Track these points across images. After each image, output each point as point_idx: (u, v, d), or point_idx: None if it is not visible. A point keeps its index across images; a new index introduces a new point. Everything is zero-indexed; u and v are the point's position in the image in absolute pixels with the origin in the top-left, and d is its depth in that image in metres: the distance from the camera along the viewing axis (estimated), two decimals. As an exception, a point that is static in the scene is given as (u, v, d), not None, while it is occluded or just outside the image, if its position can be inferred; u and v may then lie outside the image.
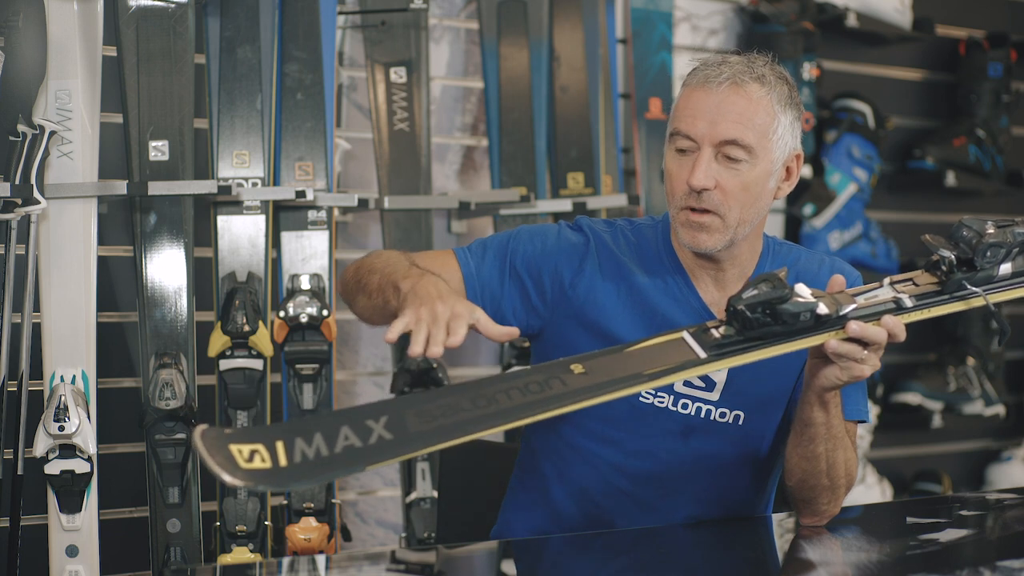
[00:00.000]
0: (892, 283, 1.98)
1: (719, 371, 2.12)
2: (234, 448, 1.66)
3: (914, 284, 1.99)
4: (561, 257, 2.17)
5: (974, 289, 1.98)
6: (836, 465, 2.09)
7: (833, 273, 2.20)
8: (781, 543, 2.13)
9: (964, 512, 2.42)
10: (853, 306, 1.92)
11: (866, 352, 1.93)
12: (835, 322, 1.92)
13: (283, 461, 1.67)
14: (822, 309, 1.89)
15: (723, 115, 2.05)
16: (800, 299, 1.88)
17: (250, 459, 1.66)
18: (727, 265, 2.15)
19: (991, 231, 1.99)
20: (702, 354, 1.88)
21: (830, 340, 1.92)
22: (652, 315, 2.14)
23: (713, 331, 1.90)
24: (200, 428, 1.66)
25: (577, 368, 1.84)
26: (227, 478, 1.63)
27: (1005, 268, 2.00)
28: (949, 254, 1.98)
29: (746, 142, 2.06)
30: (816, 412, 2.04)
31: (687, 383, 2.13)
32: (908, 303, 1.96)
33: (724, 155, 2.06)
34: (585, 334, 2.13)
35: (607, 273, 2.16)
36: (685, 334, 1.91)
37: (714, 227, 2.08)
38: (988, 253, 1.98)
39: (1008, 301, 2.05)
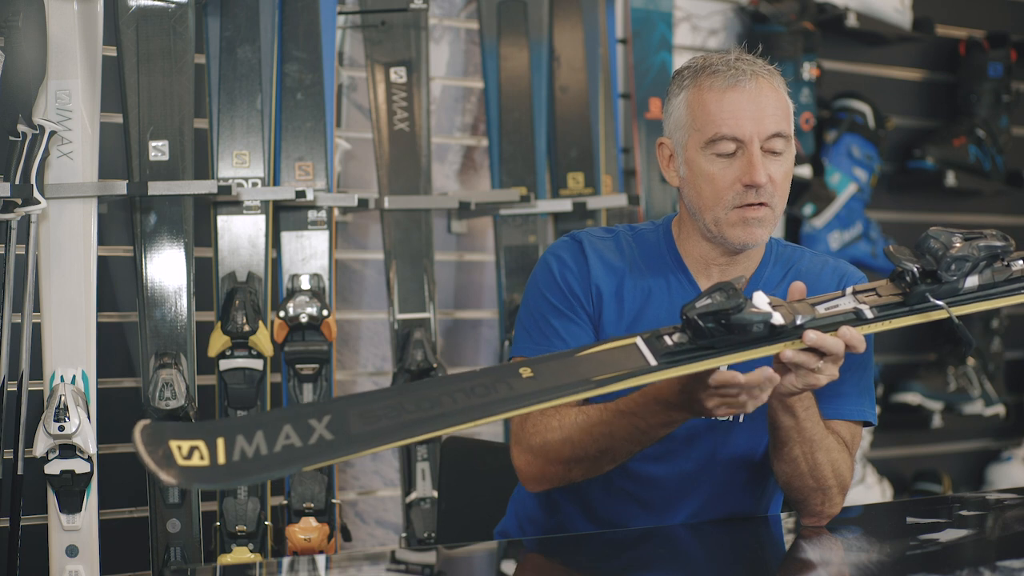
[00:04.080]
0: (855, 292, 1.97)
1: None
2: (174, 444, 1.64)
3: (877, 295, 1.97)
4: (569, 277, 2.18)
5: (937, 302, 1.96)
6: (819, 466, 2.08)
7: (837, 275, 2.21)
8: (781, 543, 2.13)
9: (964, 512, 2.42)
10: (810, 316, 1.91)
11: (821, 362, 1.93)
12: (791, 332, 1.90)
13: (222, 459, 1.65)
14: (777, 320, 1.88)
15: (762, 110, 2.09)
16: (754, 309, 1.87)
17: (188, 456, 1.64)
18: (740, 259, 2.17)
19: (957, 244, 1.95)
20: (652, 361, 1.87)
21: (785, 350, 1.91)
22: (656, 313, 2.14)
23: (666, 338, 1.89)
24: (141, 423, 1.66)
25: (525, 372, 1.82)
26: (162, 476, 1.62)
27: (972, 281, 1.97)
28: (912, 266, 1.95)
29: (786, 131, 2.12)
30: (782, 416, 2.04)
31: None
32: (868, 314, 1.95)
33: (769, 149, 2.10)
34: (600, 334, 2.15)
35: (609, 279, 2.17)
36: (638, 340, 1.90)
37: (767, 219, 2.11)
38: (953, 266, 1.95)
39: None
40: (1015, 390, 4.62)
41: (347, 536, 3.15)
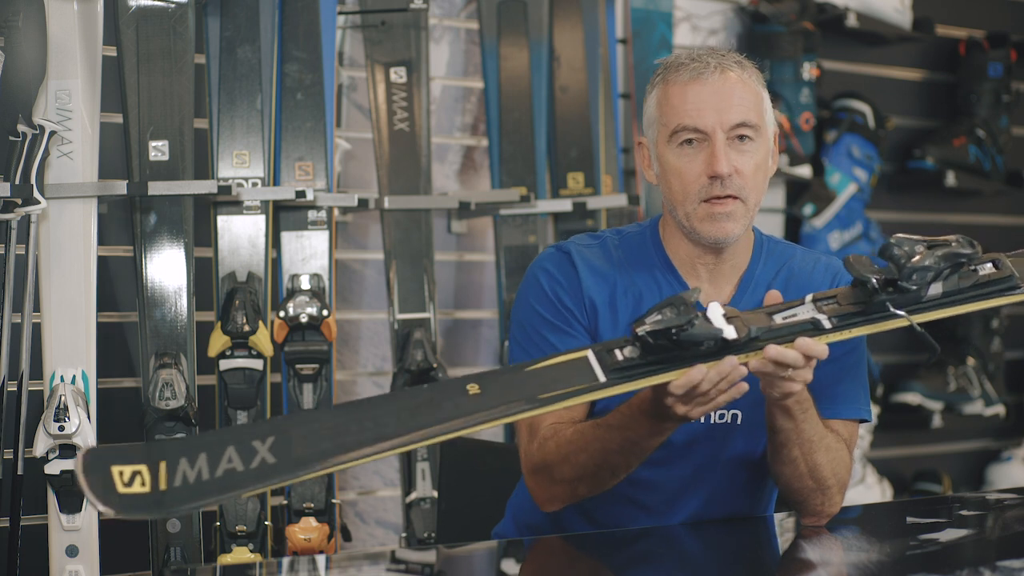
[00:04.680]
0: (815, 300, 1.95)
1: None
2: (115, 470, 1.63)
3: (837, 303, 1.95)
4: (560, 291, 2.17)
5: (897, 312, 1.93)
6: (819, 467, 2.08)
7: (830, 273, 2.20)
8: (781, 543, 2.13)
9: (964, 512, 2.42)
10: (765, 327, 1.89)
11: (789, 371, 1.91)
12: (745, 346, 1.88)
13: (163, 484, 1.64)
14: (730, 334, 1.86)
15: (726, 100, 2.08)
16: (705, 325, 1.85)
17: (129, 483, 1.63)
18: (727, 256, 2.15)
19: (919, 253, 1.93)
20: (602, 378, 1.86)
21: (751, 360, 1.90)
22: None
23: (617, 352, 1.87)
24: (85, 449, 1.65)
25: (472, 388, 1.81)
26: (100, 507, 1.61)
27: (935, 289, 1.95)
28: (870, 278, 1.93)
29: (753, 121, 2.09)
30: (780, 420, 2.03)
31: None
32: (826, 324, 1.93)
33: (735, 137, 2.08)
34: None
35: (601, 288, 2.16)
36: (590, 353, 1.88)
37: (738, 214, 2.09)
38: (914, 276, 1.92)
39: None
40: (1015, 390, 4.62)
41: (347, 536, 3.15)
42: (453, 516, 2.65)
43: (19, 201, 2.72)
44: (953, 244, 1.94)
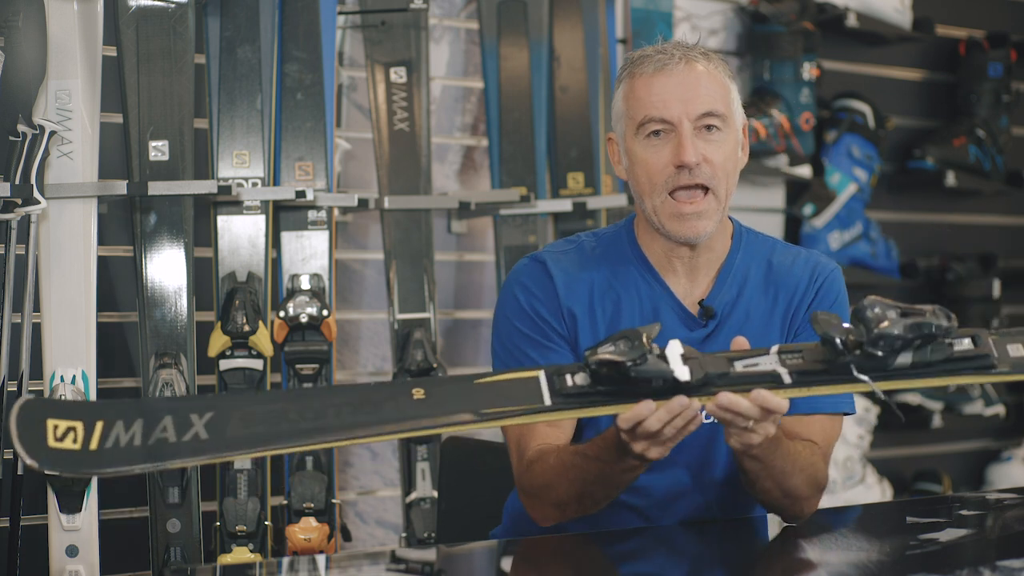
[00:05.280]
0: (780, 352, 1.89)
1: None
2: (51, 423, 1.63)
3: (802, 359, 1.89)
4: (536, 304, 2.15)
5: (860, 377, 1.87)
6: (793, 489, 2.06)
7: (809, 267, 2.19)
8: (780, 543, 2.13)
9: (964, 512, 2.42)
10: (722, 372, 1.85)
11: (750, 422, 1.87)
12: (698, 389, 1.84)
13: (94, 444, 1.63)
14: (682, 375, 1.82)
15: (692, 90, 2.07)
16: (657, 363, 1.82)
17: (61, 438, 1.62)
18: (702, 250, 2.14)
19: (888, 320, 1.85)
20: (547, 401, 1.83)
21: (707, 403, 1.86)
22: (630, 316, 2.13)
23: (568, 377, 1.85)
24: (22, 399, 1.65)
25: (418, 393, 1.80)
26: (27, 459, 1.61)
27: (904, 358, 1.87)
28: (835, 338, 1.86)
29: (720, 111, 2.08)
30: (746, 462, 2.00)
31: None
32: (786, 379, 1.88)
33: (702, 126, 2.07)
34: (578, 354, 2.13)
35: (579, 296, 2.14)
36: (542, 374, 1.85)
37: (708, 211, 2.08)
38: (880, 343, 1.85)
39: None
40: (1015, 390, 4.61)
41: (347, 536, 3.15)
42: (453, 516, 2.65)
43: (19, 201, 2.72)
44: (927, 315, 1.87)
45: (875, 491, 4.07)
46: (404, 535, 3.18)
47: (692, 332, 2.14)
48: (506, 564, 2.07)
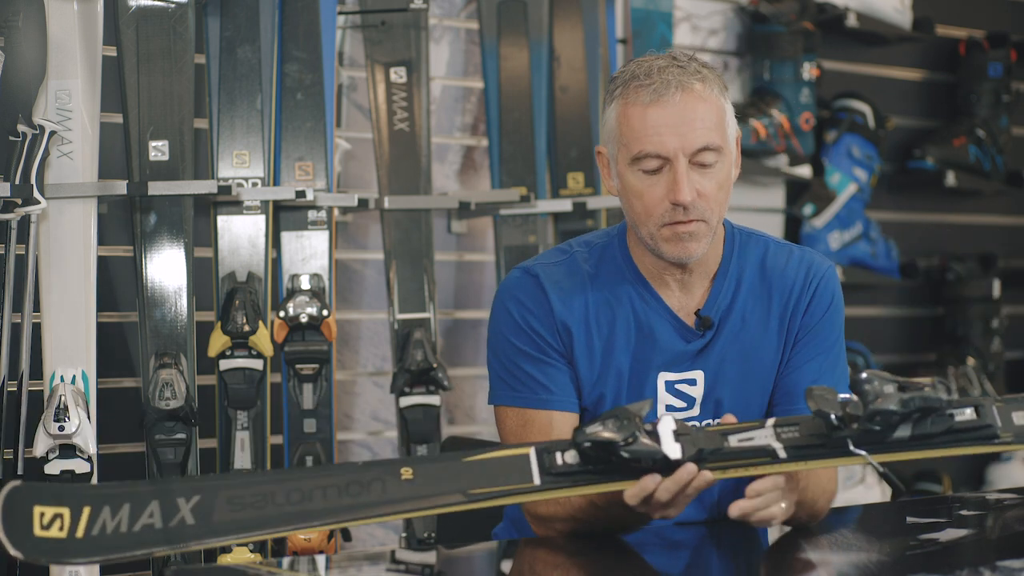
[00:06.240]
0: (775, 426, 1.88)
1: (695, 386, 2.12)
2: (37, 510, 1.62)
3: (798, 432, 1.87)
4: (531, 319, 2.14)
5: (857, 451, 1.86)
6: (819, 511, 2.08)
7: (803, 266, 2.17)
8: (780, 543, 2.13)
9: (964, 512, 2.42)
10: (715, 448, 1.84)
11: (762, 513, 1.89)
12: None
13: (80, 532, 1.63)
14: (674, 454, 1.81)
15: (688, 124, 2.03)
16: (647, 443, 1.80)
17: (47, 526, 1.62)
18: (695, 264, 2.13)
19: (884, 395, 1.83)
20: (536, 481, 1.82)
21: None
22: (625, 331, 2.13)
23: (558, 455, 1.83)
24: (10, 485, 1.63)
25: (406, 473, 1.79)
26: (12, 551, 1.59)
27: (903, 431, 1.86)
28: (830, 414, 1.84)
29: (716, 143, 2.05)
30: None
31: (668, 406, 2.12)
32: (782, 454, 1.86)
33: (697, 163, 2.04)
34: (575, 369, 2.13)
35: (574, 310, 2.13)
36: (532, 451, 1.84)
37: (700, 233, 2.07)
38: (877, 417, 1.83)
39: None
40: (1015, 390, 4.61)
41: (347, 536, 3.15)
42: (453, 516, 2.65)
43: (19, 201, 2.72)
44: (926, 389, 1.85)
45: (875, 491, 4.07)
46: (404, 535, 3.18)
47: (689, 344, 2.13)
48: (506, 565, 2.07)
